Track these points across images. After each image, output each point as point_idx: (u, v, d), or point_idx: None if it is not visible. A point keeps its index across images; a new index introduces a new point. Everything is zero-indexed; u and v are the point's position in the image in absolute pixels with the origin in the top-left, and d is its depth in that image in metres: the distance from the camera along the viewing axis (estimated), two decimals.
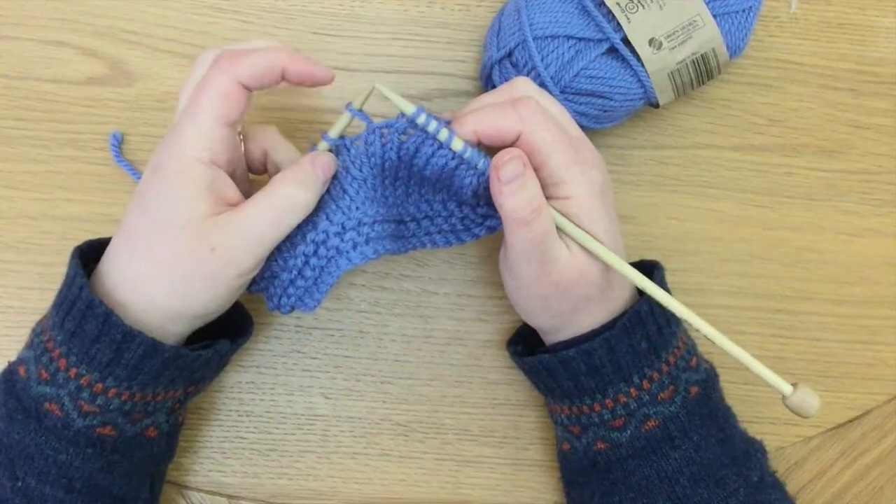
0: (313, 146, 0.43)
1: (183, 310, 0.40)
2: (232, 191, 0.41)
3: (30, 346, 0.41)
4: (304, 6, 0.54)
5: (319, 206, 0.42)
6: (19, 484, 0.39)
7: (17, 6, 0.52)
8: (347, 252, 0.42)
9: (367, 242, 0.43)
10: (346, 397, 0.52)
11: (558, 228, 0.41)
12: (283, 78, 0.41)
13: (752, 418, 0.52)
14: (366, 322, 0.52)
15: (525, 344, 0.49)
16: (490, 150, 0.41)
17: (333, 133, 0.42)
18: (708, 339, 0.40)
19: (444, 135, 0.40)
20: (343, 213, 0.42)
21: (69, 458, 0.39)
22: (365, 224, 0.43)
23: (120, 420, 0.40)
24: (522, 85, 0.42)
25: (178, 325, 0.41)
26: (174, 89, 0.53)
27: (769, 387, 0.40)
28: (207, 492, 0.51)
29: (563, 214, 0.41)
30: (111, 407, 0.40)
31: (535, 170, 0.40)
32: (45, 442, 0.39)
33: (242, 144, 0.44)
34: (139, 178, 0.51)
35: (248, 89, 0.40)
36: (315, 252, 0.42)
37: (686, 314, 0.40)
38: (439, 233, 0.45)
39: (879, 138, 0.55)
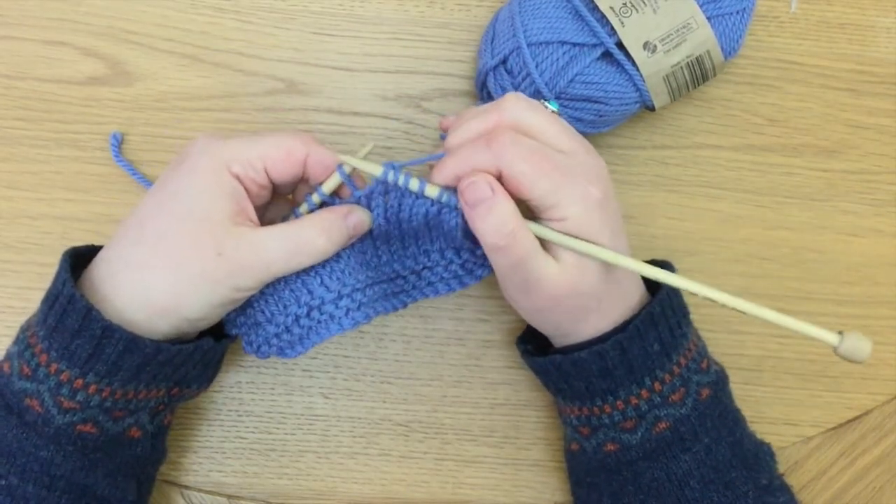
0: (308, 197, 0.43)
1: (175, 307, 0.39)
2: (252, 211, 0.41)
3: (15, 341, 0.41)
4: (304, 6, 0.54)
5: (314, 269, 0.43)
6: (2, 482, 0.38)
7: (17, 6, 0.52)
8: (340, 318, 0.44)
9: (358, 308, 0.44)
10: (346, 397, 0.52)
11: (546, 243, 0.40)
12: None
13: (752, 418, 0.52)
14: None
15: (535, 342, 0.48)
16: None
17: (326, 189, 0.43)
18: (739, 311, 0.39)
19: (414, 185, 0.40)
20: (338, 280, 0.43)
21: (50, 455, 0.39)
22: (358, 290, 0.44)
23: (101, 417, 0.40)
24: (510, 103, 0.40)
25: (165, 322, 0.40)
26: (174, 89, 0.53)
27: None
28: (207, 492, 0.51)
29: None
30: (91, 403, 0.39)
31: (525, 198, 0.39)
32: (25, 439, 0.39)
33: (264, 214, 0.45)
34: (139, 177, 0.51)
35: (303, 174, 0.42)
36: (307, 314, 0.43)
37: (710, 293, 0.39)
38: (441, 281, 0.45)
39: (879, 138, 0.55)
